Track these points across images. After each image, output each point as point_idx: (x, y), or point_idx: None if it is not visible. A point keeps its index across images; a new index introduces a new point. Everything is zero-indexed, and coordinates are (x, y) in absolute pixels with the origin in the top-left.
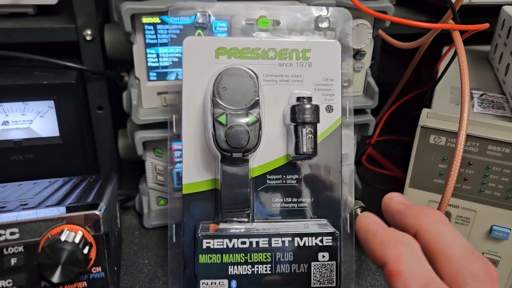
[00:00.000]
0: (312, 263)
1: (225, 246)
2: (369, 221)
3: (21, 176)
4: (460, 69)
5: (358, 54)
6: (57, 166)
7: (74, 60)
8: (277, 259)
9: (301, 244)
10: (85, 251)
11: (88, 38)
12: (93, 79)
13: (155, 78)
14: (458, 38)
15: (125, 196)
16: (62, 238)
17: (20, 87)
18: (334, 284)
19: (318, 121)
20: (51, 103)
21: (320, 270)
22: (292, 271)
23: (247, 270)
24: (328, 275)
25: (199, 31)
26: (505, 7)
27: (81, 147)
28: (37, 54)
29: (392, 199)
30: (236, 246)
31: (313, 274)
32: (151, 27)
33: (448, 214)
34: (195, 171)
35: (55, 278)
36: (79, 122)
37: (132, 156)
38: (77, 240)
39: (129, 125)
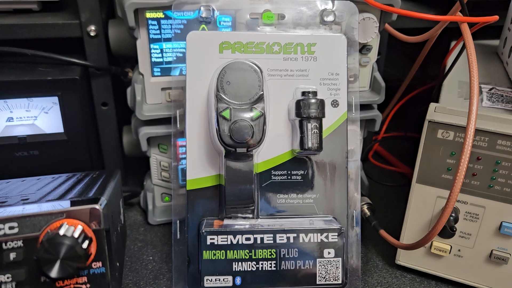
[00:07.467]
0: (318, 259)
1: (229, 242)
2: None
3: (25, 172)
4: (468, 62)
5: (364, 48)
6: (61, 162)
7: (78, 56)
8: (282, 256)
9: (306, 240)
10: (85, 245)
11: (92, 34)
12: (97, 75)
13: (159, 73)
14: (466, 31)
15: (130, 192)
16: (61, 232)
17: (24, 83)
18: (339, 281)
19: (323, 116)
20: (55, 99)
21: (326, 267)
22: (297, 267)
23: (252, 266)
24: (334, 272)
25: (203, 25)
26: None
27: (86, 143)
28: (41, 50)
29: None
30: (240, 242)
31: (319, 271)
32: (155, 22)
33: (456, 210)
34: (199, 167)
35: (54, 273)
36: (84, 118)
37: (136, 152)
38: (76, 235)
39: (133, 121)
